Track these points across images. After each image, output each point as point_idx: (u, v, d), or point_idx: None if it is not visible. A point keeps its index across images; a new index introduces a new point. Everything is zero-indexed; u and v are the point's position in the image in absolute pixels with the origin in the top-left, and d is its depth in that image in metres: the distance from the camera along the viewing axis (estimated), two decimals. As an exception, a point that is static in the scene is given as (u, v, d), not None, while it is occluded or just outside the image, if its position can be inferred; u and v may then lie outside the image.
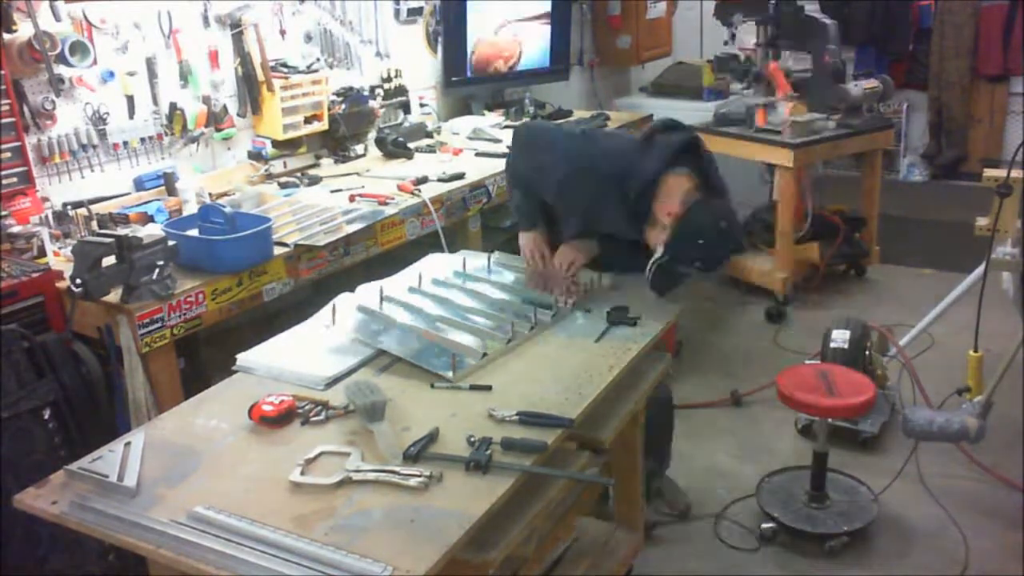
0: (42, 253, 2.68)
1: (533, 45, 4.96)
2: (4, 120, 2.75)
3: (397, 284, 2.55)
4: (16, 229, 2.73)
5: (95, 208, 2.95)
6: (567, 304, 2.43)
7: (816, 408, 2.87)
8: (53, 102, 2.91)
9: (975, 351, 3.04)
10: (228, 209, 2.69)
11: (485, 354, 2.13)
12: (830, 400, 2.83)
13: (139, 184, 3.19)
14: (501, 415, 1.88)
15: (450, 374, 2.03)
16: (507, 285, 2.60)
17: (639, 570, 2.75)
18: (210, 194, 3.19)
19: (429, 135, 4.26)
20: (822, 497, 3.00)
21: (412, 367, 2.12)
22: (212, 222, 2.66)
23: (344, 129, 3.83)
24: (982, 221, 3.20)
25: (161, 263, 2.43)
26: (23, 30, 2.80)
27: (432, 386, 2.04)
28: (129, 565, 2.43)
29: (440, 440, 1.80)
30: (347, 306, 2.40)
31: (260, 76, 3.54)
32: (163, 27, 3.25)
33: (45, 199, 2.91)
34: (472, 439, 1.78)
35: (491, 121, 4.49)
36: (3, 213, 2.74)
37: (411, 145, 3.99)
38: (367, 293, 2.47)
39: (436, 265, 2.73)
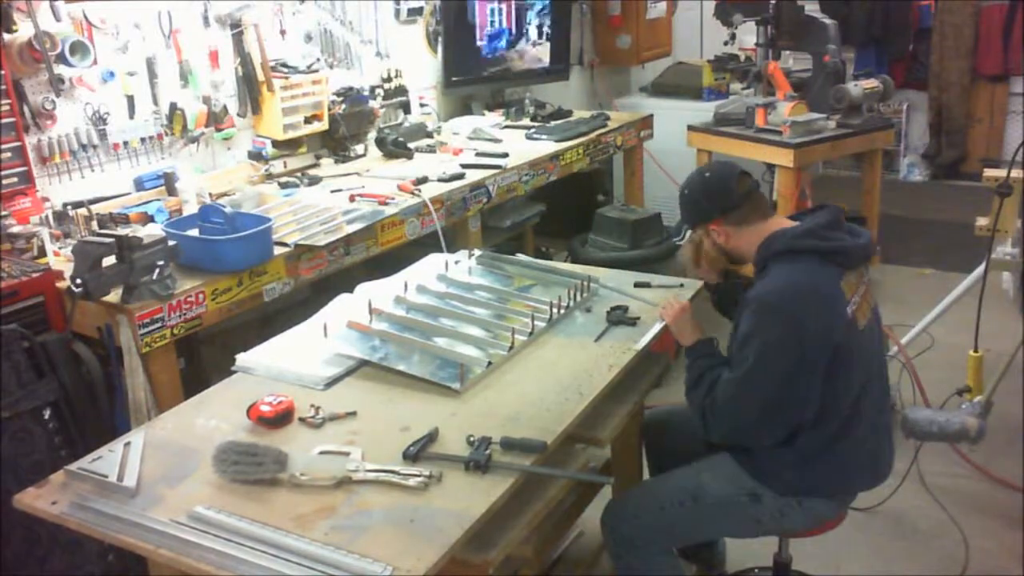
0: (42, 253, 2.68)
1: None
2: (4, 120, 2.74)
3: (395, 286, 2.54)
4: (16, 229, 2.72)
5: (95, 208, 2.94)
6: None
7: None
8: (53, 102, 2.91)
9: (975, 351, 3.04)
10: (228, 209, 2.68)
11: (490, 362, 2.12)
12: None
13: (139, 184, 3.19)
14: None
15: (457, 385, 2.02)
16: (498, 289, 2.58)
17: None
18: (210, 194, 3.19)
19: (429, 135, 4.25)
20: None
21: (412, 367, 2.12)
22: (212, 222, 2.66)
23: (344, 129, 3.83)
24: (982, 221, 3.20)
25: (161, 263, 2.43)
26: (23, 30, 2.80)
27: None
28: (129, 565, 2.43)
29: (440, 440, 1.81)
30: (343, 313, 2.37)
31: (260, 76, 3.53)
32: (163, 27, 3.25)
33: (45, 199, 2.91)
34: (472, 439, 1.78)
35: (491, 121, 4.49)
36: (3, 213, 2.73)
37: (411, 145, 3.99)
38: (366, 294, 2.46)
39: (434, 266, 2.72)
